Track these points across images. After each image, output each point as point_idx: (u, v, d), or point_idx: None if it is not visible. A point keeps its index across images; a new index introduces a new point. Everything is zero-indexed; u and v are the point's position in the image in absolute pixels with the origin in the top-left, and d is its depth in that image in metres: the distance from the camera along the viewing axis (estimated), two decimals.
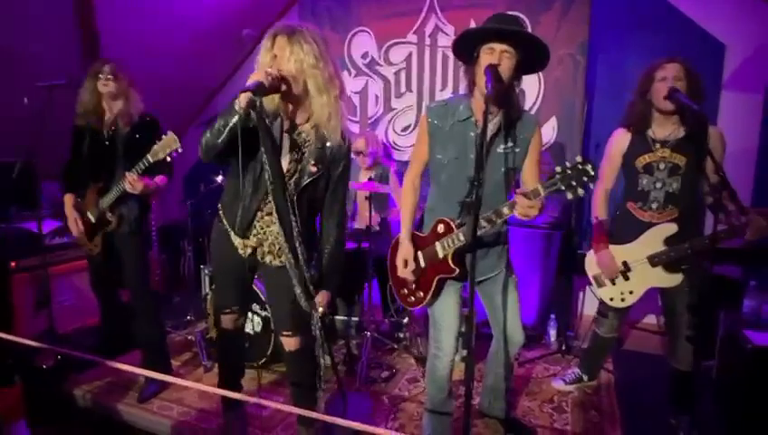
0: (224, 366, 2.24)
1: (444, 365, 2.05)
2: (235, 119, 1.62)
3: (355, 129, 4.25)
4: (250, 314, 2.95)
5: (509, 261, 2.11)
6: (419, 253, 2.03)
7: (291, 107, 1.78)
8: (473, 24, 3.67)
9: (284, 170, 1.77)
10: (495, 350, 2.23)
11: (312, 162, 1.79)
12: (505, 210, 1.74)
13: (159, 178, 2.54)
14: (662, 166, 2.18)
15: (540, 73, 3.55)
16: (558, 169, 1.59)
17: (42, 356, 2.89)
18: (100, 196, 2.54)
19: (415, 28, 3.93)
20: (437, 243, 1.95)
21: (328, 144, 1.80)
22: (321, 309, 1.89)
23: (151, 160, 2.35)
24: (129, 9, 3.54)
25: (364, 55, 4.15)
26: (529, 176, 1.93)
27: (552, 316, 3.46)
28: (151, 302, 2.68)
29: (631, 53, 3.56)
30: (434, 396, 2.13)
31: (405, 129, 4.09)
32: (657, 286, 2.29)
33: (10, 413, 2.46)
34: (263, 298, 2.90)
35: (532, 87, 3.60)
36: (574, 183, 1.55)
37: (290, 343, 1.98)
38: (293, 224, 1.75)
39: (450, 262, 1.92)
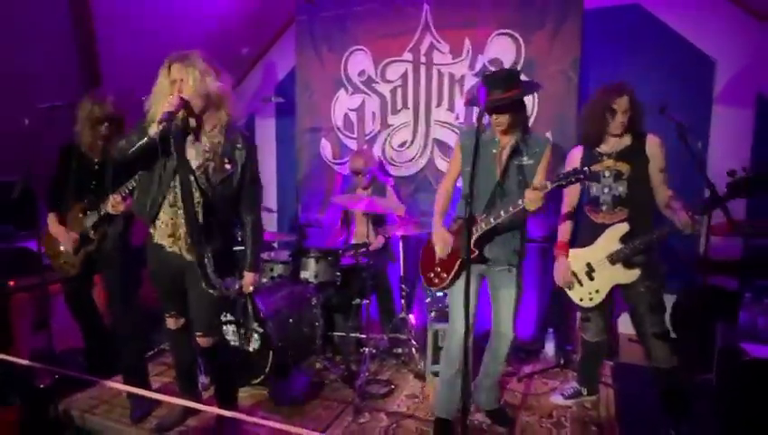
0: (175, 363, 2.52)
1: (456, 342, 2.37)
2: (145, 141, 1.98)
3: (353, 145, 4.29)
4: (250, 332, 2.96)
5: (521, 264, 2.39)
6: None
7: (198, 118, 2.08)
8: (466, 42, 3.77)
9: (198, 167, 2.07)
10: (489, 343, 2.53)
11: (226, 160, 2.11)
12: (519, 202, 2.14)
13: None
14: (607, 173, 2.43)
15: None
16: (560, 173, 2.09)
17: (39, 376, 2.88)
18: (83, 215, 2.58)
19: (410, 46, 3.99)
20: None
21: (238, 145, 2.14)
22: (251, 289, 2.30)
23: (135, 185, 2.36)
24: (128, 30, 3.60)
25: (361, 73, 4.21)
26: (538, 180, 2.27)
27: (551, 330, 3.47)
28: (132, 320, 2.66)
29: (623, 69, 3.61)
30: (445, 371, 2.48)
31: (401, 144, 4.13)
32: (620, 283, 2.45)
33: (7, 433, 2.45)
34: (261, 314, 2.91)
35: (526, 103, 3.64)
36: (573, 180, 2.05)
37: (202, 342, 2.27)
38: (199, 214, 2.09)
39: (471, 245, 2.24)
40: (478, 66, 3.76)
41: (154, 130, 1.95)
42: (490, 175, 2.33)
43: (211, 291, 2.14)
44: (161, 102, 1.95)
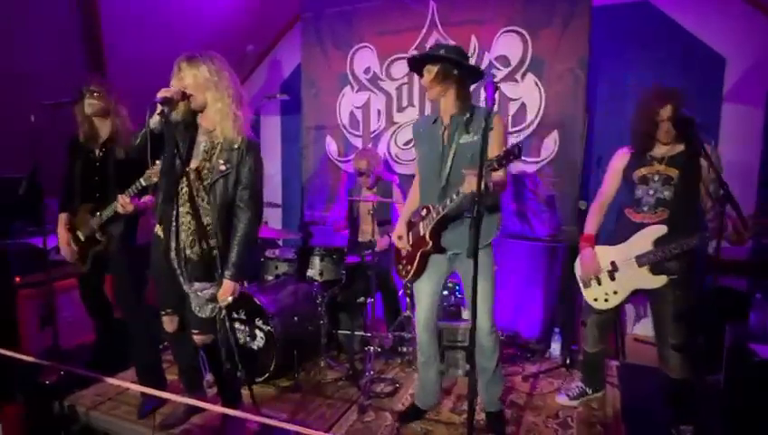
0: (176, 362, 2.53)
1: (420, 332, 2.48)
2: (144, 129, 1.97)
3: (358, 143, 4.28)
4: (255, 330, 2.96)
5: (490, 249, 2.31)
6: (410, 234, 2.45)
7: (199, 115, 2.10)
8: (473, 40, 3.75)
9: (195, 168, 2.07)
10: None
11: (222, 162, 2.08)
12: (461, 188, 2.05)
13: (148, 198, 2.55)
14: (656, 178, 2.32)
15: (541, 88, 3.58)
16: (494, 157, 1.88)
17: (45, 372, 2.89)
18: (91, 215, 2.58)
19: (416, 44, 3.97)
20: (421, 224, 2.35)
21: (236, 146, 2.09)
22: (228, 300, 2.09)
23: (144, 184, 2.39)
24: (133, 26, 3.61)
25: (366, 70, 4.19)
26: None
27: (557, 330, 3.45)
28: (143, 319, 2.65)
29: (632, 67, 3.58)
30: (419, 359, 2.58)
31: (407, 142, 4.11)
32: (642, 288, 2.38)
33: (12, 430, 2.46)
34: (266, 313, 2.91)
35: (533, 101, 3.62)
36: (504, 162, 1.87)
37: (198, 339, 2.23)
38: (190, 213, 2.06)
39: (426, 237, 2.30)
40: (485, 64, 3.73)
41: (154, 120, 1.95)
42: (437, 158, 2.28)
43: (186, 290, 2.11)
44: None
